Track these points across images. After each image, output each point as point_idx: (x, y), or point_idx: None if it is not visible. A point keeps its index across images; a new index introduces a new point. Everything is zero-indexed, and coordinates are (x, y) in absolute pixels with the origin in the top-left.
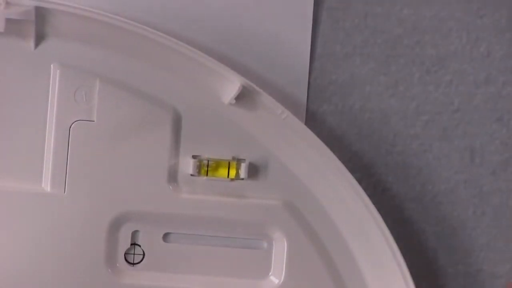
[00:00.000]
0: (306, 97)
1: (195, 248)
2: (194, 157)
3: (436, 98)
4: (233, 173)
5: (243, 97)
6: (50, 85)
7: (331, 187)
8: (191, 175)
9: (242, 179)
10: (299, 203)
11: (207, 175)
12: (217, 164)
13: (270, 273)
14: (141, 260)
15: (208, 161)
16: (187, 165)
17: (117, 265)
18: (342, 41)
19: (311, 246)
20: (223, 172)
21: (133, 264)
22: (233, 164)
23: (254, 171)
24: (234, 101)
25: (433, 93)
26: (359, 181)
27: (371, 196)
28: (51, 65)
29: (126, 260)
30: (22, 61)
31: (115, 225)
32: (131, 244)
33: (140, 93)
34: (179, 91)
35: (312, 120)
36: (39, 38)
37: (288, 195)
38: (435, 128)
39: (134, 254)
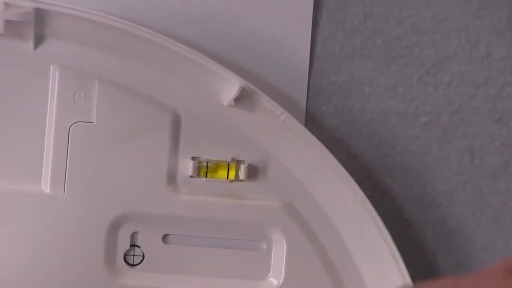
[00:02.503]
0: (305, 99)
1: (195, 250)
2: (193, 158)
3: (436, 99)
4: (232, 174)
5: (242, 98)
6: (50, 86)
7: (330, 188)
8: (191, 176)
9: (242, 180)
10: (298, 205)
11: (206, 176)
12: (217, 165)
13: (269, 275)
14: (141, 262)
15: (207, 162)
16: (187, 167)
17: (117, 266)
18: (341, 42)
19: (310, 247)
20: (222, 173)
21: (133, 265)
22: (233, 165)
23: (253, 172)
24: (234, 102)
25: (433, 94)
26: (358, 183)
27: (370, 197)
28: (50, 67)
29: (125, 261)
30: (21, 62)
31: (115, 226)
32: (131, 246)
33: (139, 95)
34: (178, 93)
35: (312, 122)
36: (39, 39)
37: (287, 197)
38: (434, 129)
39: (133, 255)
